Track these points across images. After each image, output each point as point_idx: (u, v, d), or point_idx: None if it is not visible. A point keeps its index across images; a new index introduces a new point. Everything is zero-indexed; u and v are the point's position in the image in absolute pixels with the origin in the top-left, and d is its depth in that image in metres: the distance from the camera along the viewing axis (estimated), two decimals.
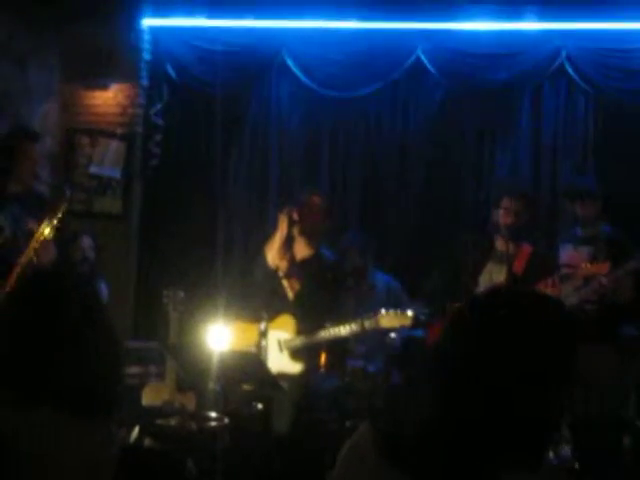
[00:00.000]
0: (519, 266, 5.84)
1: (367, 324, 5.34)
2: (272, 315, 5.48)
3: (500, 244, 5.96)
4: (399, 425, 1.73)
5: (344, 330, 5.40)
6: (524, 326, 1.70)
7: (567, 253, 5.97)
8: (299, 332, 5.48)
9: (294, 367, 5.48)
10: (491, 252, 6.02)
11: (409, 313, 5.36)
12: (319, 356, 5.66)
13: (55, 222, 5.52)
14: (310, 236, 5.72)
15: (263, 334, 5.24)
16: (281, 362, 5.47)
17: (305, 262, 5.72)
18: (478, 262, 5.95)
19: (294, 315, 5.51)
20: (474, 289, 5.90)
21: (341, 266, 6.01)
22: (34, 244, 5.40)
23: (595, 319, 5.57)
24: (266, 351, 5.33)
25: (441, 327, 5.69)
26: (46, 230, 5.47)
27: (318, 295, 5.56)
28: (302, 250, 5.72)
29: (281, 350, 5.48)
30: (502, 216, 5.89)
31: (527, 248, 5.92)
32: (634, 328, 6.06)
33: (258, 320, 5.32)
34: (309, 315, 5.51)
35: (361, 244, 6.85)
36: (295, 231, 5.63)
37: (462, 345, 1.72)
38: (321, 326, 5.45)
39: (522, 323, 1.71)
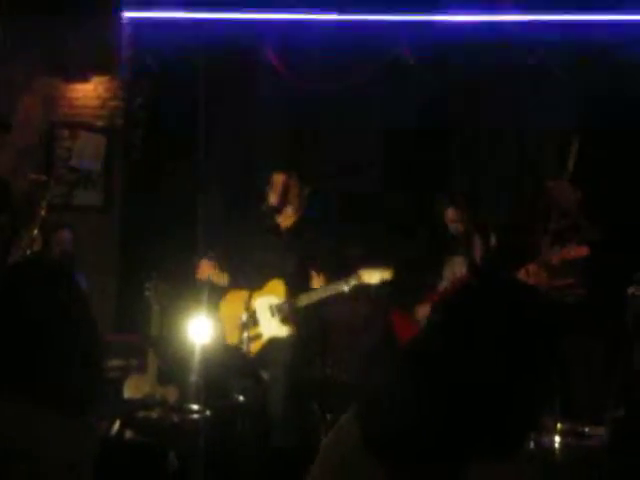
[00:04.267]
0: (476, 256, 5.89)
1: (352, 281, 5.36)
2: (264, 281, 5.53)
3: (458, 238, 6.02)
4: (385, 420, 1.74)
5: (330, 290, 5.44)
6: (510, 318, 1.71)
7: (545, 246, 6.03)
8: (289, 295, 5.51)
9: (285, 331, 5.50)
10: (451, 246, 6.06)
11: (389, 268, 5.39)
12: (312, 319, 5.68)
13: (36, 225, 5.49)
14: (294, 211, 5.75)
15: (247, 305, 5.37)
16: (272, 327, 5.49)
17: (291, 229, 5.75)
18: (439, 257, 6.00)
19: (284, 279, 5.53)
20: (438, 283, 5.97)
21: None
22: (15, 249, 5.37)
23: (580, 308, 5.60)
24: (255, 319, 5.36)
25: (408, 320, 5.70)
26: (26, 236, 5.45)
27: (302, 260, 5.59)
28: (285, 219, 5.76)
29: (273, 315, 5.50)
30: (452, 228, 5.95)
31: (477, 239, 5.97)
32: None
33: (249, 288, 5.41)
34: (297, 279, 5.54)
35: (355, 237, 6.91)
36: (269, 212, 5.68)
37: (448, 339, 1.72)
38: (308, 289, 5.48)
39: (508, 315, 1.71)
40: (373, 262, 5.46)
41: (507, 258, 5.87)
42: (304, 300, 5.47)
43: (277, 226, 5.72)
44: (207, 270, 5.68)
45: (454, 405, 1.64)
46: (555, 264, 5.60)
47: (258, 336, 5.50)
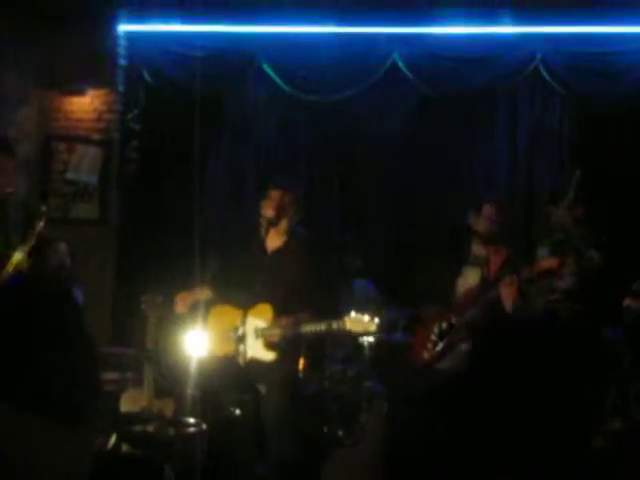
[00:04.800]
0: (492, 270, 5.87)
1: (334, 325, 5.37)
2: (255, 302, 5.54)
3: (476, 248, 6.00)
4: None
5: (313, 327, 5.43)
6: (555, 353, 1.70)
7: (543, 257, 6.01)
8: (274, 322, 5.51)
9: (267, 355, 5.51)
10: (468, 256, 6.05)
11: (375, 321, 5.37)
12: (295, 350, 5.67)
13: (30, 244, 5.48)
14: (284, 229, 5.75)
15: (241, 323, 5.37)
16: (256, 349, 5.50)
17: (277, 252, 5.75)
18: (454, 266, 5.98)
19: (272, 304, 5.54)
20: (451, 293, 5.94)
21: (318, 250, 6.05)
22: (9, 267, 5.36)
23: (573, 322, 5.60)
24: (244, 338, 5.38)
25: (423, 332, 5.67)
26: (20, 255, 5.44)
27: (293, 285, 5.59)
28: (273, 241, 5.76)
29: (257, 337, 5.51)
30: (478, 223, 5.91)
31: (502, 252, 5.94)
32: (617, 330, 6.11)
33: (240, 305, 5.43)
34: (284, 305, 5.54)
35: (353, 247, 6.91)
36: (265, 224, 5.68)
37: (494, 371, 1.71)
38: (296, 320, 5.48)
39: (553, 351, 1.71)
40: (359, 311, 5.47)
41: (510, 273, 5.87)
42: (288, 331, 5.48)
43: (264, 248, 5.73)
44: (185, 302, 5.68)
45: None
46: (532, 277, 5.61)
47: (244, 355, 5.50)
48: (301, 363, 5.77)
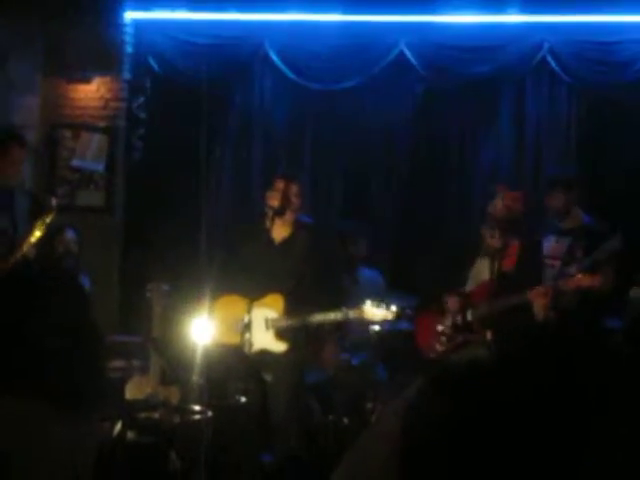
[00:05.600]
0: (509, 263, 5.83)
1: (351, 314, 5.39)
2: (263, 292, 5.54)
3: (490, 239, 5.97)
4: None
5: (329, 317, 5.46)
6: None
7: (549, 245, 5.97)
8: (287, 313, 5.52)
9: (278, 346, 5.51)
10: (481, 247, 6.03)
11: (393, 308, 5.42)
12: (304, 339, 5.69)
13: (38, 236, 5.50)
14: (290, 219, 5.76)
15: (247, 312, 5.37)
16: (266, 340, 5.50)
17: (285, 242, 5.76)
18: (468, 257, 5.98)
19: (284, 294, 5.54)
20: (464, 284, 5.95)
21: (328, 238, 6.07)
22: (17, 255, 5.37)
23: (575, 314, 5.55)
24: (250, 329, 5.37)
25: (429, 321, 5.68)
26: (32, 239, 5.45)
27: (303, 275, 5.60)
28: (279, 231, 5.77)
29: (267, 328, 5.51)
30: (496, 208, 5.88)
31: (516, 245, 5.91)
32: (617, 320, 6.08)
33: (247, 295, 5.42)
34: (295, 295, 5.55)
35: (354, 234, 6.90)
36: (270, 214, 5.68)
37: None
38: (309, 310, 5.48)
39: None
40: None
41: (528, 275, 5.83)
42: (301, 321, 5.49)
43: (271, 238, 5.73)
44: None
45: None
46: (567, 290, 5.57)
47: (250, 345, 5.51)
48: (308, 352, 5.79)
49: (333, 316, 5.47)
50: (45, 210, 5.60)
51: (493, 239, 5.90)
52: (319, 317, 5.49)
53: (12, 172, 5.61)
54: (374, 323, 5.74)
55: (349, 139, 7.86)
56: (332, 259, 6.09)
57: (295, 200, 5.68)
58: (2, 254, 5.44)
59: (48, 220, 5.54)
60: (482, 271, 5.95)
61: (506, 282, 5.64)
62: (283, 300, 5.55)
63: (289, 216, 5.70)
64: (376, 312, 5.41)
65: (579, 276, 5.48)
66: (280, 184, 5.67)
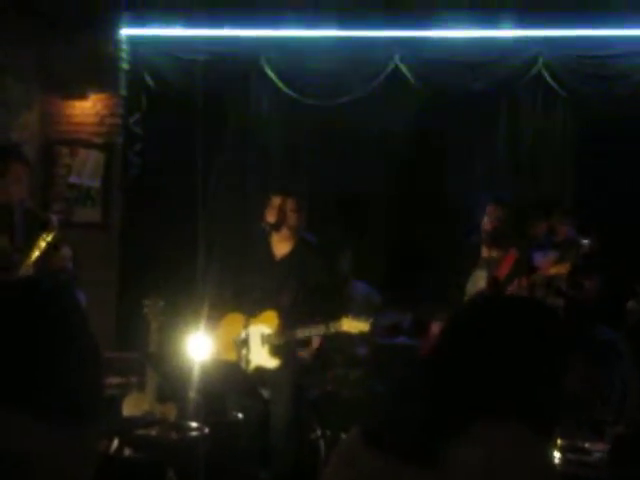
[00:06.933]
0: (502, 272, 5.87)
1: (331, 327, 5.41)
2: (262, 308, 5.54)
3: (484, 250, 6.02)
4: (391, 421, 1.83)
5: (311, 331, 5.48)
6: (519, 331, 1.79)
7: (538, 258, 6.03)
8: (280, 329, 5.53)
9: (272, 362, 5.52)
10: (477, 259, 6.06)
11: (369, 321, 5.42)
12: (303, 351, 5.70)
13: (36, 253, 5.49)
14: (291, 234, 5.75)
15: (244, 328, 5.38)
16: (261, 356, 5.51)
17: (286, 258, 5.75)
18: (464, 269, 6.00)
19: (278, 311, 5.55)
20: (461, 296, 5.95)
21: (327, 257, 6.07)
22: (14, 272, 5.37)
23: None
24: (247, 345, 5.37)
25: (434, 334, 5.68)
26: (31, 258, 5.45)
27: (300, 291, 5.60)
28: (279, 247, 5.77)
29: (262, 344, 5.52)
30: (485, 222, 5.96)
31: (513, 254, 5.95)
32: (608, 330, 6.10)
33: (246, 312, 5.44)
34: (291, 312, 5.55)
35: (348, 253, 6.92)
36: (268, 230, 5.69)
37: (460, 348, 1.80)
38: (299, 325, 5.50)
39: (516, 328, 1.80)
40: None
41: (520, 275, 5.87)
42: (288, 336, 5.50)
43: (272, 255, 5.73)
44: None
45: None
46: (541, 281, 5.64)
47: (247, 362, 5.51)
48: (305, 367, 5.79)
49: (317, 331, 5.49)
50: (45, 228, 5.59)
51: (486, 251, 5.96)
52: (306, 332, 5.51)
53: (14, 190, 5.60)
54: (353, 335, 5.74)
55: (345, 154, 7.88)
56: (331, 276, 6.09)
57: (292, 215, 5.68)
58: (1, 274, 5.43)
59: (49, 239, 5.53)
60: (478, 282, 5.98)
61: (498, 292, 5.66)
62: (277, 316, 5.55)
63: (286, 232, 5.70)
64: (352, 324, 5.42)
65: (548, 266, 5.59)
66: (277, 200, 5.67)
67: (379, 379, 6.40)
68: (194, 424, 5.19)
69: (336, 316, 5.43)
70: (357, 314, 5.44)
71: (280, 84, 7.76)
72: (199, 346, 5.38)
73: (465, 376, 1.77)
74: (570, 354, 1.81)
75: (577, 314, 5.70)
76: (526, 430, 1.75)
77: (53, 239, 5.51)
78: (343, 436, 6.05)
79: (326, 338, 5.66)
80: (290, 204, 5.68)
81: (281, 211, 5.62)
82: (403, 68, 7.57)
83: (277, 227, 5.63)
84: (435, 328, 5.93)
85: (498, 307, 1.89)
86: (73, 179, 7.91)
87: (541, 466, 1.77)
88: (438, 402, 1.75)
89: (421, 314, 6.28)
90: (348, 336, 5.85)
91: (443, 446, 1.70)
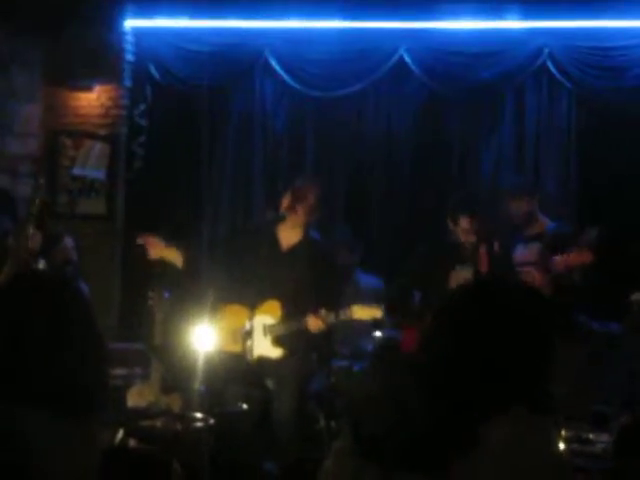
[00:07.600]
0: (483, 265, 5.81)
1: (342, 315, 5.39)
2: (265, 298, 5.54)
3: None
4: (381, 425, 1.79)
5: (320, 319, 5.45)
6: (508, 316, 1.76)
7: (519, 253, 6.00)
8: (283, 318, 5.51)
9: (275, 352, 5.51)
10: (458, 255, 5.96)
11: (381, 306, 5.42)
12: (302, 345, 5.67)
13: (34, 216, 5.48)
14: (301, 223, 5.69)
15: (249, 320, 5.40)
16: (263, 346, 5.50)
17: (293, 248, 5.72)
18: (448, 268, 5.88)
19: (281, 301, 5.53)
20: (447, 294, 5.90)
21: (332, 255, 6.04)
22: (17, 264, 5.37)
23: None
24: (251, 336, 5.38)
25: (416, 331, 5.64)
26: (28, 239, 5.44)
27: (304, 282, 5.58)
28: (289, 237, 5.72)
29: (265, 335, 5.51)
30: (462, 234, 5.78)
31: (482, 250, 5.83)
32: (586, 317, 6.10)
33: (250, 302, 5.46)
34: (294, 302, 5.53)
35: (351, 242, 6.90)
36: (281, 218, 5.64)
37: (449, 336, 1.77)
38: (304, 314, 5.47)
39: (506, 314, 1.77)
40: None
41: (511, 264, 5.84)
42: (293, 326, 5.48)
43: (279, 245, 5.69)
44: (157, 248, 5.64)
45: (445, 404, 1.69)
46: (559, 270, 5.57)
47: (251, 353, 5.50)
48: (309, 359, 5.78)
49: (327, 319, 5.46)
50: (35, 195, 5.57)
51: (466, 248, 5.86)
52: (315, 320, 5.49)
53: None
54: (364, 322, 5.72)
55: (350, 145, 7.87)
56: (337, 269, 6.05)
57: (310, 201, 5.57)
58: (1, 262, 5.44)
59: (37, 202, 5.49)
60: (462, 277, 5.89)
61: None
62: (280, 306, 5.53)
63: (300, 217, 5.60)
64: (364, 311, 5.41)
65: (568, 255, 5.49)
66: (302, 189, 5.58)
67: (382, 375, 6.39)
68: (199, 415, 5.18)
69: (346, 304, 5.42)
70: (366, 303, 5.44)
71: (285, 75, 7.75)
72: (203, 337, 5.38)
73: (465, 376, 1.73)
74: (567, 340, 1.81)
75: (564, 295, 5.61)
76: (535, 423, 1.72)
77: (41, 202, 5.49)
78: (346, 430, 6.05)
79: (331, 329, 5.64)
80: (313, 192, 5.59)
81: (294, 198, 5.54)
82: (408, 59, 7.56)
83: (289, 213, 5.55)
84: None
85: (483, 297, 1.86)
86: (77, 171, 7.91)
87: (556, 462, 1.75)
88: (441, 407, 1.71)
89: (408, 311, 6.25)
90: (353, 328, 5.84)
91: (452, 454, 1.67)
